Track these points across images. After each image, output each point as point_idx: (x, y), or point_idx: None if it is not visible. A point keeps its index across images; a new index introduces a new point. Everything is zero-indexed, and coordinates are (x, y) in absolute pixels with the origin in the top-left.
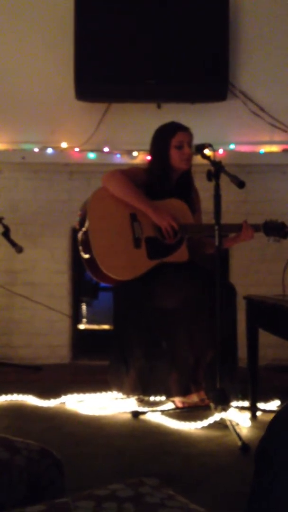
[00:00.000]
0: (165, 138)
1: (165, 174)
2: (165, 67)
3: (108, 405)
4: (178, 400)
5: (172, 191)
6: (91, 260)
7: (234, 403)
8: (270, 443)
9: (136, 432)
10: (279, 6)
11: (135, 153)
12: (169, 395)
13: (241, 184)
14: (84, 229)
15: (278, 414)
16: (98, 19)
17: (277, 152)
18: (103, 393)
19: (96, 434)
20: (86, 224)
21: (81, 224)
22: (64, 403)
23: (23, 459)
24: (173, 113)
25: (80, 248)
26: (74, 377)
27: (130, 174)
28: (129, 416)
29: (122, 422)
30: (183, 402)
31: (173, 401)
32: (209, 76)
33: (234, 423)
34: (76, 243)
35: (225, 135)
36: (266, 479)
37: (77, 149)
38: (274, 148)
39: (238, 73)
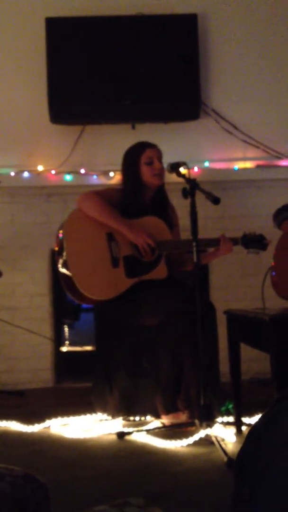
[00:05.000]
0: (134, 157)
1: (139, 192)
2: (138, 88)
3: (93, 427)
4: (165, 419)
5: (148, 209)
6: (70, 281)
7: (219, 419)
8: (247, 454)
9: (122, 453)
10: (248, 24)
11: (111, 174)
12: (154, 414)
13: (216, 201)
14: (63, 253)
15: (254, 426)
16: (69, 43)
17: (251, 168)
18: (88, 415)
19: (81, 457)
20: (64, 246)
21: (60, 246)
22: (48, 427)
23: (7, 485)
24: (147, 133)
25: (60, 266)
26: (58, 401)
27: (104, 195)
28: (114, 437)
29: (107, 443)
30: (170, 421)
31: (160, 420)
32: (181, 96)
33: (219, 439)
34: (56, 265)
35: (200, 153)
36: (245, 488)
37: (53, 172)
38: (248, 164)
39: (209, 92)
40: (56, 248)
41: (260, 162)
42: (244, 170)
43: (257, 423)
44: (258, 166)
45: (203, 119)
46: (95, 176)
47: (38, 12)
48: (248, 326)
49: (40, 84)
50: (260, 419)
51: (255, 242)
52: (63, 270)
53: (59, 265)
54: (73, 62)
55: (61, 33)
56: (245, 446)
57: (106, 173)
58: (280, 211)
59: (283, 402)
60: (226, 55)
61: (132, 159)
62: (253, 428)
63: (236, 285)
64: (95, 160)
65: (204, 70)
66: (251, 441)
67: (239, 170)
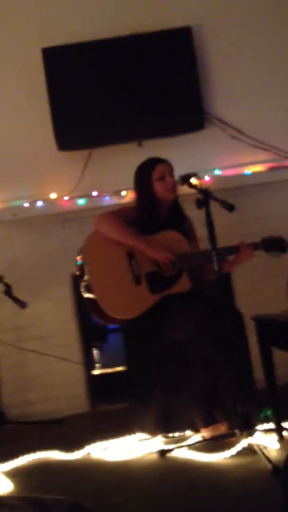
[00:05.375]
0: (146, 174)
1: (154, 208)
2: (140, 106)
3: (133, 448)
4: (205, 432)
5: (164, 224)
6: (95, 303)
7: (259, 427)
8: None
9: (165, 471)
10: (242, 29)
11: (123, 193)
12: (193, 429)
13: (230, 208)
14: (85, 277)
15: None
16: (67, 70)
17: (262, 171)
18: (127, 437)
19: (125, 479)
20: (86, 269)
21: (81, 270)
22: (89, 453)
23: None
24: (154, 149)
25: (83, 290)
26: (96, 425)
27: (120, 214)
28: (156, 456)
29: (149, 463)
30: (210, 434)
31: (200, 434)
32: (184, 108)
33: (262, 447)
34: (78, 289)
35: (209, 162)
36: None
37: (66, 198)
38: (259, 168)
39: (213, 101)
40: (77, 273)
41: (271, 164)
42: (256, 174)
43: None
44: (269, 169)
45: (208, 128)
46: (107, 197)
47: (34, 43)
48: (278, 330)
49: (44, 113)
50: None
51: (275, 245)
52: (87, 294)
53: (82, 290)
54: (74, 88)
55: (59, 62)
56: None
57: (118, 193)
58: None
59: None
60: (225, 63)
61: (144, 176)
62: None
63: (260, 290)
64: (105, 181)
65: (204, 81)
66: None
67: (251, 174)
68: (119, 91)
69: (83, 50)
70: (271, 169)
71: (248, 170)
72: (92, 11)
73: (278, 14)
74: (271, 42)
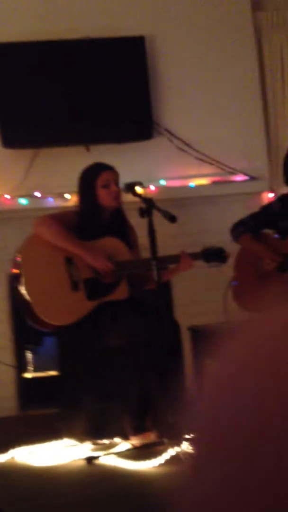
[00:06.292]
0: (91, 179)
1: (96, 214)
2: (90, 110)
3: (61, 453)
4: (134, 440)
5: (106, 230)
6: (29, 308)
7: (187, 435)
8: None
9: (91, 478)
10: (195, 43)
11: (68, 196)
12: (123, 436)
13: (172, 219)
14: (20, 278)
15: None
16: (17, 68)
17: (207, 184)
18: (55, 442)
19: (51, 485)
20: (22, 272)
21: (17, 270)
22: (13, 457)
23: None
24: (102, 154)
25: (20, 289)
26: (23, 429)
27: (60, 218)
28: (83, 462)
29: (76, 469)
30: (139, 441)
31: (130, 442)
32: (133, 117)
33: (189, 456)
34: (14, 290)
35: (155, 172)
36: None
37: (8, 196)
38: (204, 181)
39: (162, 112)
40: (15, 271)
41: (215, 178)
42: (200, 186)
43: None
44: (213, 182)
45: (156, 138)
46: (51, 199)
47: None
48: (212, 341)
49: None
50: None
51: (215, 255)
52: (23, 291)
53: (20, 289)
54: (23, 86)
55: (7, 59)
56: None
57: (62, 196)
58: (237, 226)
59: None
60: (176, 75)
61: (89, 182)
62: None
63: (198, 300)
64: (50, 183)
65: (155, 90)
66: None
67: (195, 187)
68: (69, 93)
69: (34, 49)
70: (215, 183)
71: (193, 183)
72: (46, 10)
73: (230, 29)
74: (222, 57)
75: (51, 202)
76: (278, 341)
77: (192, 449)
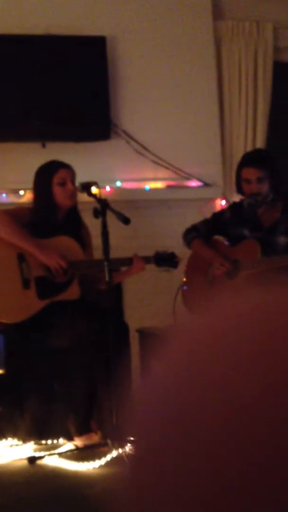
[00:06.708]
0: (47, 176)
1: (50, 212)
2: (47, 107)
3: (3, 453)
4: (78, 441)
5: (59, 229)
6: None
7: (131, 437)
8: None
9: (33, 478)
10: (156, 47)
11: (21, 192)
12: (67, 437)
13: (126, 221)
14: None
15: None
16: None
17: (162, 188)
18: None
19: None
20: None
21: None
22: None
23: None
24: (58, 152)
25: None
26: None
27: (14, 214)
28: (25, 462)
29: (18, 469)
30: (83, 442)
31: (73, 443)
32: (91, 116)
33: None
34: None
35: (111, 173)
36: None
37: None
38: (159, 185)
39: (120, 113)
40: None
41: (170, 183)
42: (155, 190)
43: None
44: (168, 187)
45: (114, 139)
46: (4, 195)
47: None
48: (159, 343)
49: None
50: None
51: (166, 260)
52: None
53: None
54: None
55: None
56: None
57: (16, 192)
58: (189, 231)
59: None
60: (136, 78)
61: (44, 179)
62: None
63: (148, 303)
64: (4, 178)
65: (114, 92)
66: None
67: (150, 190)
68: (26, 89)
69: None
70: (169, 187)
71: (148, 186)
72: (8, 3)
73: (191, 36)
74: (182, 63)
75: (4, 198)
76: (220, 340)
77: (132, 450)
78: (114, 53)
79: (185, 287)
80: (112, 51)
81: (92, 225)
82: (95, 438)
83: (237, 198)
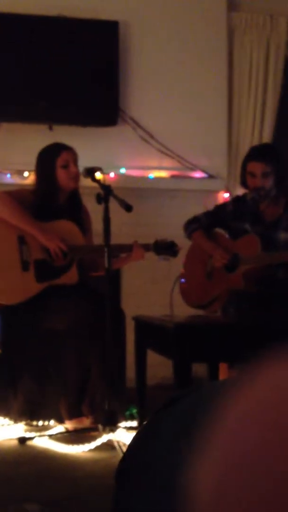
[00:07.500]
0: (50, 159)
1: (53, 194)
2: (56, 89)
3: None
4: (69, 424)
5: (61, 212)
6: None
7: (122, 424)
8: (127, 463)
9: (22, 459)
10: (168, 35)
11: (26, 174)
12: (58, 419)
13: (128, 208)
14: None
15: (136, 434)
16: None
17: (166, 177)
18: None
19: None
20: None
21: None
22: None
23: None
24: (64, 135)
25: None
26: None
27: (16, 196)
28: (15, 442)
29: (7, 448)
30: (74, 426)
31: (64, 425)
32: (99, 101)
33: (121, 444)
34: None
35: (116, 159)
36: (124, 497)
37: None
38: (163, 174)
39: (128, 100)
40: None
41: (175, 173)
42: (159, 179)
43: (138, 431)
44: (172, 176)
45: (121, 126)
46: (8, 175)
47: None
48: (154, 332)
49: None
50: (142, 427)
51: (166, 248)
52: None
53: None
54: None
55: None
56: (125, 455)
57: (20, 173)
58: (190, 222)
59: (160, 413)
60: (147, 64)
61: (48, 161)
62: (134, 436)
63: (146, 292)
64: (9, 159)
65: (123, 78)
66: (132, 450)
67: (154, 179)
68: (36, 70)
69: (4, 21)
70: (173, 177)
71: (152, 174)
72: None
73: (204, 26)
74: (194, 53)
75: (8, 178)
76: (282, 392)
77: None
78: (126, 38)
79: (183, 280)
80: (124, 36)
81: (94, 211)
82: (86, 422)
83: (240, 191)
